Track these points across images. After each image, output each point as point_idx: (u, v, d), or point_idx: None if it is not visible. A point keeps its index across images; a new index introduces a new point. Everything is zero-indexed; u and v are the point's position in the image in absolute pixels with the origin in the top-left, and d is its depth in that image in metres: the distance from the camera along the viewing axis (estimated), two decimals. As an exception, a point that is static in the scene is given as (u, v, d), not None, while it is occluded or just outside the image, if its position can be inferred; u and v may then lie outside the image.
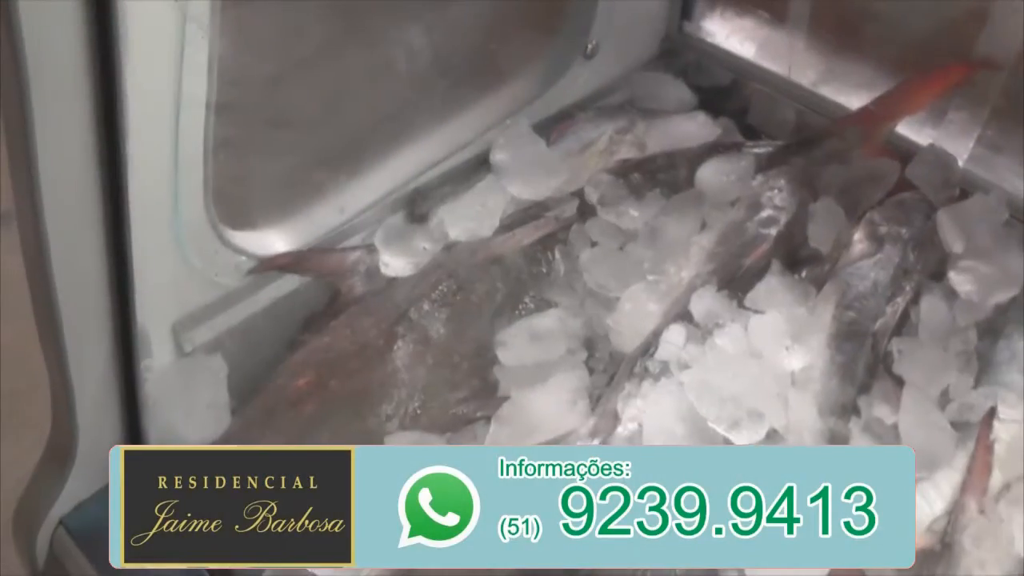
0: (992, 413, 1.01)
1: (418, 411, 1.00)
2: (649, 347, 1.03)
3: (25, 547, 0.98)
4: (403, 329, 1.02)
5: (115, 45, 0.77)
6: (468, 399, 1.02)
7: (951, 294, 1.12)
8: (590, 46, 1.24)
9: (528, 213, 1.13)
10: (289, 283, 1.05)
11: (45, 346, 0.91)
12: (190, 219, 0.93)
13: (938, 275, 1.14)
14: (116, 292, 0.91)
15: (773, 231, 1.13)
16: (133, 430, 0.98)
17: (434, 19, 1.09)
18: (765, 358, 1.01)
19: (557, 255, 1.11)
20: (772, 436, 0.98)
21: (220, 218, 0.97)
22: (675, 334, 1.02)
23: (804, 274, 1.12)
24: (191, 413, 0.99)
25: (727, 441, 0.96)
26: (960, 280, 1.13)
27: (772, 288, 1.07)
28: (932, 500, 0.97)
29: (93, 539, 0.98)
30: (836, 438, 0.99)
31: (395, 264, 1.07)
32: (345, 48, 1.05)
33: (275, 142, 1.02)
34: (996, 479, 0.99)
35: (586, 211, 1.14)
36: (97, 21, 0.76)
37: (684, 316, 1.05)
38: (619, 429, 0.97)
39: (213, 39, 0.85)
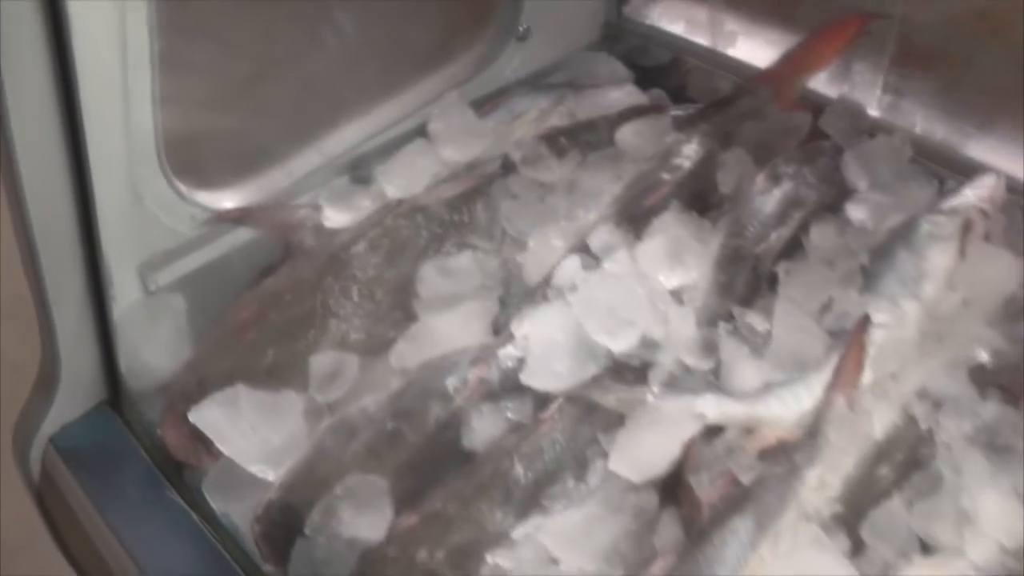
0: (865, 318, 1.08)
1: (344, 337, 1.14)
2: (550, 278, 1.15)
3: (21, 461, 1.17)
4: (335, 269, 1.17)
5: (66, 33, 0.96)
6: (389, 327, 1.15)
7: (846, 223, 1.20)
8: (522, 29, 1.39)
9: (457, 174, 1.27)
10: (245, 235, 1.22)
11: (31, 288, 1.10)
12: (146, 176, 1.11)
13: (837, 208, 1.22)
14: (86, 238, 1.10)
15: (676, 176, 1.23)
16: (108, 360, 1.16)
17: (372, 6, 1.26)
18: (650, 279, 1.12)
19: (479, 206, 1.24)
20: (651, 345, 1.08)
21: (176, 175, 1.15)
22: (570, 262, 1.14)
23: (710, 216, 1.22)
24: (156, 344, 1.16)
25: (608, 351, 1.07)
26: (856, 209, 1.21)
27: (666, 222, 1.17)
28: (801, 398, 1.05)
29: (77, 456, 1.16)
30: (709, 346, 1.08)
31: (336, 218, 1.23)
32: (292, 33, 1.22)
33: (226, 114, 1.19)
34: (868, 378, 1.06)
35: (510, 169, 1.27)
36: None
37: (583, 250, 1.16)
38: (509, 346, 1.09)
39: (153, 27, 1.04)
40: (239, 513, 1.06)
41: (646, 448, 0.99)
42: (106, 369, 1.17)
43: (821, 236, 1.17)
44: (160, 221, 1.15)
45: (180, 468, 1.12)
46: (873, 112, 1.32)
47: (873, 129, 1.29)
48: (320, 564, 0.99)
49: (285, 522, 1.02)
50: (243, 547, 1.05)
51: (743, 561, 0.93)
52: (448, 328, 1.11)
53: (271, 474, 1.05)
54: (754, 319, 1.09)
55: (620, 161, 1.28)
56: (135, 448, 1.15)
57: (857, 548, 0.96)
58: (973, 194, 1.17)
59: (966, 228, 1.15)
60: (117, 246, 1.11)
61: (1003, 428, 1.01)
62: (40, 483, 1.18)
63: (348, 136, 1.28)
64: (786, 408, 1.04)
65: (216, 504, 1.08)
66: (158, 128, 1.10)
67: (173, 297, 1.17)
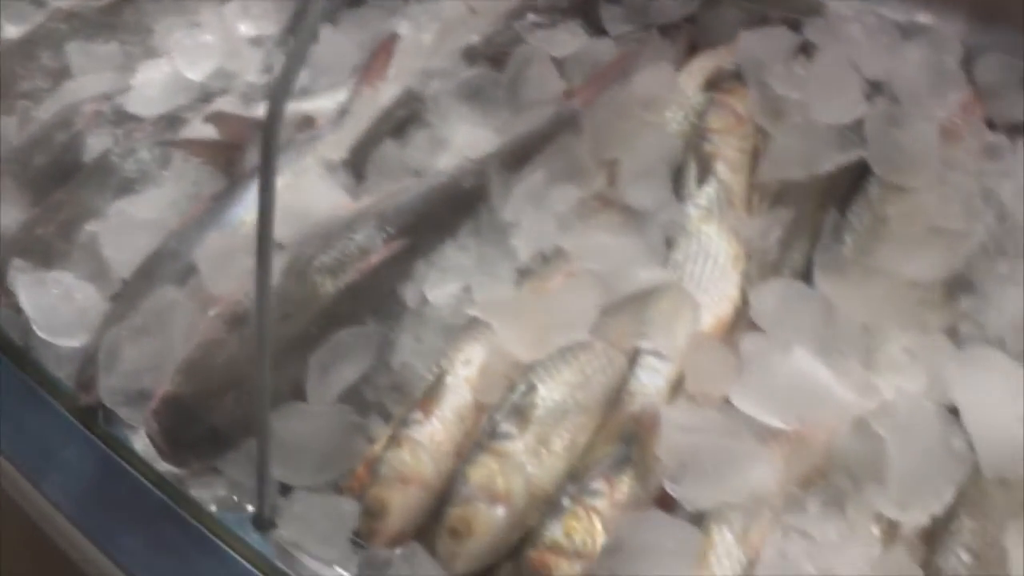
0: (393, 34, 1.39)
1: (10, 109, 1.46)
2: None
3: None
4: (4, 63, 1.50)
5: None
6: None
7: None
8: None
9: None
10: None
11: None
12: None
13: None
14: None
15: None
16: None
17: None
18: (231, 30, 1.44)
19: (127, 12, 1.56)
20: (229, 75, 1.40)
21: None
22: (181, 33, 1.46)
23: None
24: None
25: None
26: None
27: None
28: (339, 93, 1.35)
29: None
30: (268, 68, 1.40)
31: (14, 31, 1.55)
32: None
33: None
34: (392, 74, 1.36)
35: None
36: None
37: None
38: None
39: None
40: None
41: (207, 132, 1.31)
42: None
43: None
44: None
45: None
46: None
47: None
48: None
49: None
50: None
51: (253, 196, 1.23)
52: (82, 85, 1.43)
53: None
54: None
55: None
56: None
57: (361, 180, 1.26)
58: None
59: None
60: None
61: (483, 84, 1.31)
62: None
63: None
64: (327, 100, 1.35)
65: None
66: None
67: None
